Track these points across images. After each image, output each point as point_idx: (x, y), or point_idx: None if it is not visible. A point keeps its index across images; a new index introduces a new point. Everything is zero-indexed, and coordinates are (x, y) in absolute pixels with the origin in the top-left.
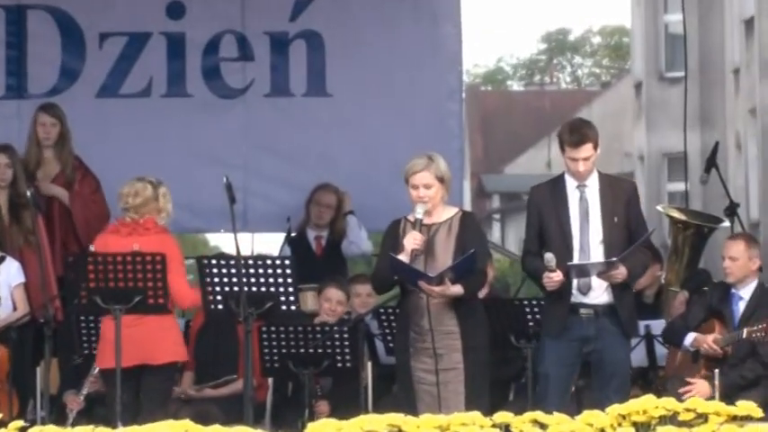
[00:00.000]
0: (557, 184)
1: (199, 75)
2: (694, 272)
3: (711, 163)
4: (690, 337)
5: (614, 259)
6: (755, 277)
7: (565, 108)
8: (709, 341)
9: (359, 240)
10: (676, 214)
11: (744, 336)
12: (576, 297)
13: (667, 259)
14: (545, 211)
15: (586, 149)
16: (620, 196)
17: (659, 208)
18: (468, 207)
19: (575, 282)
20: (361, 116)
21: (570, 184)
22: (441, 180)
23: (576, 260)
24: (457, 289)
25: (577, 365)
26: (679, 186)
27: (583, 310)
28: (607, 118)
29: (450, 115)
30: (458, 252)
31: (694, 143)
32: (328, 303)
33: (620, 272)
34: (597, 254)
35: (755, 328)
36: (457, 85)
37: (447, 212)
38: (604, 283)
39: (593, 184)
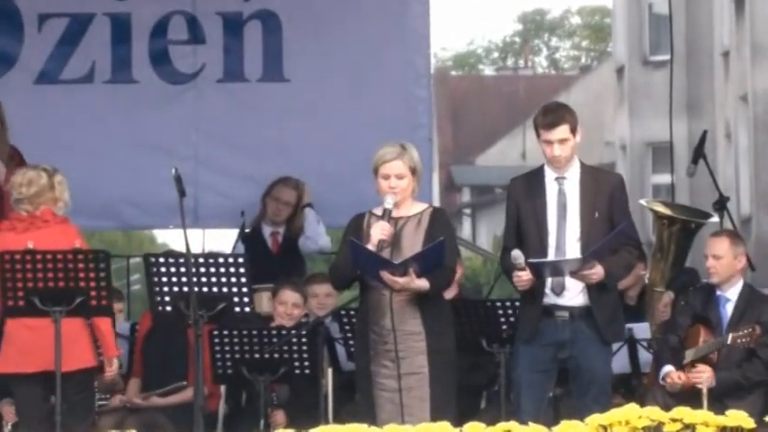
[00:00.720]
0: (535, 176)
1: (146, 59)
2: (680, 271)
3: (699, 153)
4: (664, 370)
5: (580, 257)
6: (741, 277)
7: (541, 94)
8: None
9: (315, 235)
10: (661, 209)
11: (728, 342)
12: (550, 298)
13: (651, 257)
14: (522, 204)
15: (562, 131)
16: (602, 190)
17: (643, 202)
18: (436, 201)
19: (548, 282)
20: (322, 103)
21: (549, 175)
22: (413, 171)
23: (550, 258)
24: (422, 282)
25: (553, 372)
26: (664, 178)
27: (557, 313)
28: (587, 104)
29: (418, 102)
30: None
31: (681, 132)
32: (283, 307)
33: (596, 272)
34: (574, 252)
35: (741, 333)
36: (425, 69)
37: (416, 207)
38: (580, 284)
39: (573, 175)
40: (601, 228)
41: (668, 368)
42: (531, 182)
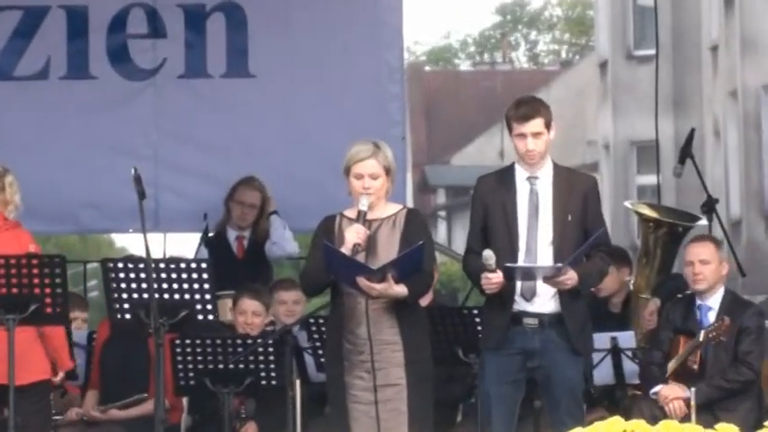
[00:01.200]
0: (505, 175)
1: (103, 54)
2: (667, 277)
3: (686, 152)
4: (655, 389)
5: (559, 265)
6: (722, 284)
7: (520, 90)
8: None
9: (282, 241)
10: (647, 211)
11: (701, 339)
12: (519, 304)
13: (637, 262)
14: (491, 204)
15: (536, 124)
16: (576, 191)
17: (627, 204)
18: (410, 203)
19: (518, 286)
20: (289, 100)
21: (520, 174)
22: (387, 171)
23: (521, 262)
24: (400, 289)
25: (522, 383)
26: (650, 179)
27: (526, 320)
28: (568, 101)
29: (391, 99)
30: (403, 250)
31: (667, 130)
32: (243, 317)
33: (570, 277)
34: (545, 256)
35: (710, 327)
36: (398, 64)
37: (391, 208)
38: (552, 289)
39: (545, 175)
40: (573, 231)
41: (658, 387)
42: (501, 181)
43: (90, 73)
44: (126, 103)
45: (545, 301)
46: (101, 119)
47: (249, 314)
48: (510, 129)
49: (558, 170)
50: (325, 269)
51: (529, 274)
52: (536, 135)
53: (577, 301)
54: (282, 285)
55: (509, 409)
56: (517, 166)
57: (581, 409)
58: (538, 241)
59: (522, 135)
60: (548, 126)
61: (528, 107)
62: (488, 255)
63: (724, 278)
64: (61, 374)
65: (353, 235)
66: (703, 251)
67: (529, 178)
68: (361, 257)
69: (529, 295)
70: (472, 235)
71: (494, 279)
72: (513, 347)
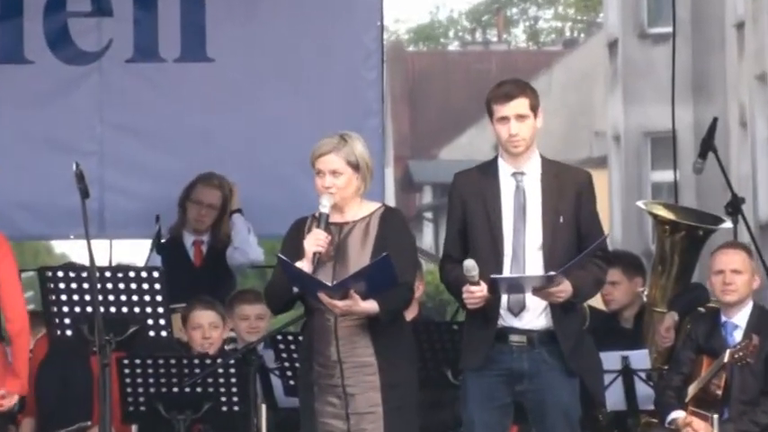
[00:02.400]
0: (487, 170)
1: (40, 35)
2: (686, 287)
3: (708, 145)
4: (671, 416)
5: (553, 273)
6: (751, 299)
7: (517, 73)
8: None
9: (245, 245)
10: (663, 212)
11: (726, 359)
12: (505, 320)
13: (651, 271)
14: (471, 204)
15: (519, 104)
16: (568, 189)
17: (641, 204)
18: (391, 202)
19: (504, 299)
20: (253, 87)
21: (504, 170)
22: (354, 167)
23: (506, 270)
24: (369, 305)
25: (509, 408)
26: (666, 176)
27: (513, 337)
28: (572, 86)
29: (367, 86)
30: (375, 257)
31: (686, 119)
32: (198, 331)
33: (564, 288)
34: (534, 262)
35: (737, 347)
36: (375, 45)
37: (364, 209)
38: (542, 303)
39: (533, 171)
40: (566, 234)
41: (675, 413)
42: (483, 177)
43: (25, 57)
44: (66, 92)
45: (534, 316)
46: (38, 109)
47: (206, 327)
48: (491, 114)
49: (548, 164)
50: (288, 283)
51: (517, 286)
52: (520, 118)
53: (571, 315)
54: (244, 298)
55: None
56: (500, 161)
57: None
58: (525, 246)
59: (505, 119)
60: (534, 110)
61: (511, 85)
62: (470, 265)
63: (753, 293)
64: (15, 398)
65: (312, 242)
66: (735, 259)
67: (514, 174)
68: (328, 268)
69: (517, 310)
70: (449, 239)
71: (477, 293)
72: (497, 368)
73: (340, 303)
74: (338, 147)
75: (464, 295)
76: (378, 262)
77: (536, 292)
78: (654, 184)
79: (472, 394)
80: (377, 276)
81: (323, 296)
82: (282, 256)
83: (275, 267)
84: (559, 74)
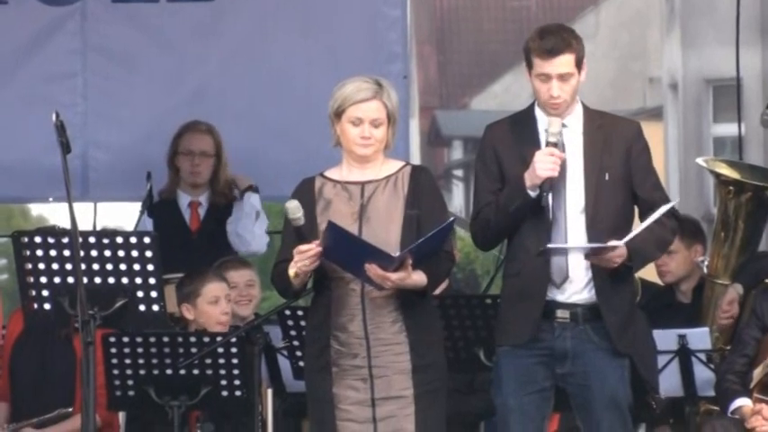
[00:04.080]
0: (523, 121)
1: None
2: (752, 256)
3: None
4: (735, 404)
5: (615, 243)
6: None
7: (560, 11)
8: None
9: (248, 234)
10: (726, 171)
11: None
12: (546, 292)
13: (713, 238)
14: (505, 159)
15: (564, 62)
16: (615, 143)
17: (701, 161)
18: (415, 158)
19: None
20: (257, 30)
21: (542, 121)
22: (390, 118)
23: (561, 243)
24: (419, 277)
25: (549, 393)
26: (730, 129)
27: (557, 312)
28: (623, 27)
29: (389, 25)
30: (408, 222)
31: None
32: (216, 307)
33: (619, 253)
34: (576, 228)
35: None
36: None
37: (390, 167)
38: (588, 273)
39: (575, 123)
40: (612, 194)
41: (740, 401)
42: (518, 129)
43: None
44: (45, 36)
45: (579, 288)
46: (12, 57)
47: (223, 301)
48: (529, 65)
49: (592, 115)
50: (323, 253)
51: (560, 249)
52: (563, 78)
53: (620, 287)
54: (230, 264)
55: (533, 425)
56: (537, 110)
57: (628, 428)
58: (567, 208)
59: (546, 76)
60: (579, 65)
61: (555, 38)
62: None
63: None
64: None
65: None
66: None
67: None
68: (354, 230)
69: (560, 280)
70: (480, 194)
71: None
72: (536, 347)
73: (394, 276)
74: (379, 93)
75: (538, 165)
76: (444, 228)
77: (588, 256)
78: (716, 139)
79: (507, 377)
80: (429, 244)
81: (373, 268)
82: (333, 222)
83: (283, 240)
84: (608, 13)
